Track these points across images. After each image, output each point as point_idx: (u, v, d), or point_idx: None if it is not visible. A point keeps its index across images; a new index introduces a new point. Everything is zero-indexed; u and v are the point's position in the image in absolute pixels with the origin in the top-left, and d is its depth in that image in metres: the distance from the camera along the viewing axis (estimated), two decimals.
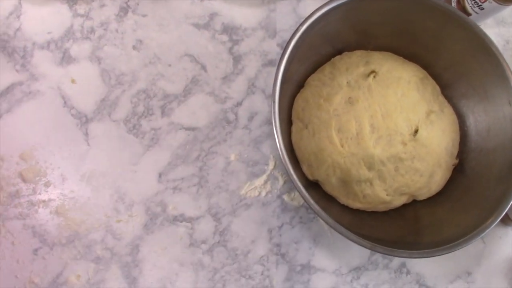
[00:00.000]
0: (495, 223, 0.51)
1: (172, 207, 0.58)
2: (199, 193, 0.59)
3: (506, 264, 0.63)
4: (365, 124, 0.54)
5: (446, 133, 0.58)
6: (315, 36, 0.54)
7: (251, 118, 0.62)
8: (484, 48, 0.55)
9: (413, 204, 0.58)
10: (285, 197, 0.60)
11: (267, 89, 0.63)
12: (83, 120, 0.59)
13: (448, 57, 0.59)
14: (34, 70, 0.60)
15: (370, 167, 0.54)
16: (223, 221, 0.59)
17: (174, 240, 0.58)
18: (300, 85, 0.59)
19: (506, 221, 0.62)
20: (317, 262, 0.60)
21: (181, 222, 0.58)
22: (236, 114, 0.62)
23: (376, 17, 0.57)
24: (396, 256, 0.50)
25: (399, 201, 0.57)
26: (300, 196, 0.50)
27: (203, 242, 0.58)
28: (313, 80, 0.59)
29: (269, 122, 0.62)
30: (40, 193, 0.57)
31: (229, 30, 0.64)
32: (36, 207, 0.56)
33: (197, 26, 0.64)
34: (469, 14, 0.62)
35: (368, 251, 0.61)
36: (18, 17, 0.61)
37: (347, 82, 0.57)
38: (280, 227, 0.60)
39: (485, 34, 0.54)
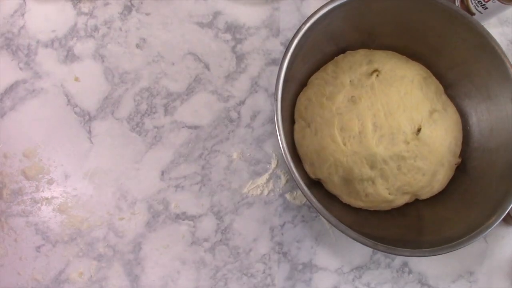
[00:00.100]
0: (497, 222, 0.51)
1: (175, 205, 0.58)
2: (202, 191, 0.59)
3: (508, 263, 0.63)
4: (368, 122, 0.54)
5: (449, 132, 0.58)
6: (318, 35, 0.54)
7: (253, 116, 0.62)
8: (487, 47, 0.55)
9: (415, 203, 0.58)
10: (287, 195, 0.61)
11: (270, 88, 0.63)
12: (86, 118, 0.59)
13: (451, 57, 0.59)
14: (38, 68, 0.60)
15: (372, 166, 0.54)
16: (225, 219, 0.59)
17: (176, 238, 0.58)
18: (303, 84, 0.60)
19: (508, 220, 0.62)
20: (319, 261, 0.60)
21: (183, 220, 0.58)
22: (239, 113, 0.62)
23: (380, 16, 0.57)
24: (398, 255, 0.50)
25: (402, 200, 0.57)
26: (302, 194, 0.50)
27: (205, 240, 0.58)
28: (316, 78, 0.59)
29: (271, 121, 0.62)
30: (43, 191, 0.57)
31: (233, 28, 0.64)
32: (39, 205, 0.56)
33: (200, 24, 0.64)
34: (472, 14, 0.62)
35: (370, 250, 0.61)
36: (23, 15, 0.61)
37: (350, 81, 0.57)
38: (282, 226, 0.60)
39: (488, 33, 0.54)
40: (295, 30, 0.52)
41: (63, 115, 0.59)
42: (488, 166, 0.56)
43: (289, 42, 0.51)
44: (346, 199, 0.57)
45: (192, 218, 0.58)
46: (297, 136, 0.57)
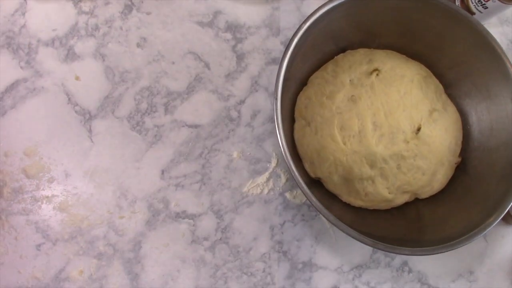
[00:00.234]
0: (497, 221, 0.51)
1: (175, 203, 0.59)
2: (202, 190, 0.59)
3: (508, 263, 0.63)
4: (368, 122, 0.54)
5: (449, 132, 0.58)
6: (318, 34, 0.55)
7: (254, 116, 0.62)
8: (487, 47, 0.55)
9: (415, 203, 0.58)
10: (287, 194, 0.61)
11: (270, 87, 0.63)
12: (87, 117, 0.59)
13: (451, 56, 0.59)
14: (39, 67, 0.60)
15: (372, 165, 0.54)
16: (225, 218, 0.59)
17: (176, 237, 0.58)
18: (303, 83, 0.60)
19: (508, 219, 0.62)
20: (318, 260, 0.60)
21: (184, 219, 0.58)
22: (239, 112, 0.62)
23: (380, 15, 0.57)
24: (398, 254, 0.50)
25: (401, 199, 0.57)
26: (302, 193, 0.50)
27: (205, 239, 0.58)
28: (316, 78, 0.59)
29: (272, 120, 0.62)
30: (43, 189, 0.57)
31: (233, 28, 0.65)
32: (40, 203, 0.56)
33: (201, 24, 0.64)
34: (472, 13, 0.62)
35: (370, 249, 0.61)
36: (23, 14, 0.61)
37: (350, 80, 0.57)
38: (282, 225, 0.60)
39: (488, 33, 0.54)
40: (295, 30, 0.52)
41: (63, 114, 0.59)
42: (488, 165, 0.56)
43: (289, 41, 0.51)
44: (346, 198, 0.57)
45: (192, 216, 0.59)
46: (297, 135, 0.57)
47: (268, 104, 0.63)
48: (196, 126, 0.61)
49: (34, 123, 0.58)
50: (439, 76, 0.61)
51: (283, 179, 0.61)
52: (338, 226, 0.49)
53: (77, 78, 0.60)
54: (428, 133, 0.55)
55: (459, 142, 0.59)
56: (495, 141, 0.56)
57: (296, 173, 0.49)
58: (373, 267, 0.61)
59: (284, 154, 0.49)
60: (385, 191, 0.55)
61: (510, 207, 0.51)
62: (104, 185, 0.58)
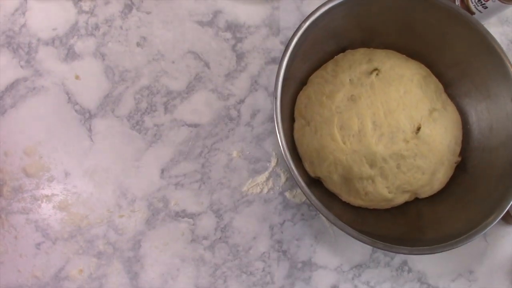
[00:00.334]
0: (497, 220, 0.50)
1: (174, 203, 0.59)
2: (201, 189, 0.59)
3: (508, 263, 0.63)
4: (367, 121, 0.54)
5: (449, 131, 0.58)
6: (318, 33, 0.55)
7: (253, 115, 0.62)
8: (487, 47, 0.55)
9: (415, 202, 0.58)
10: (287, 194, 0.61)
11: (270, 86, 0.63)
12: (87, 116, 0.59)
13: (451, 56, 0.59)
14: (39, 66, 0.60)
15: (372, 165, 0.54)
16: (224, 217, 0.59)
17: (175, 236, 0.58)
18: (303, 83, 0.60)
19: (508, 219, 0.62)
20: (318, 259, 0.60)
21: (183, 218, 0.58)
22: (238, 111, 0.62)
23: (380, 15, 0.57)
24: (397, 253, 0.50)
25: (401, 198, 0.57)
26: (302, 193, 0.50)
27: (205, 238, 0.58)
28: (315, 77, 0.59)
29: (271, 119, 0.62)
30: (43, 188, 0.57)
31: (233, 27, 0.65)
32: (39, 202, 0.57)
33: (200, 23, 0.64)
34: (472, 13, 0.62)
35: (369, 249, 0.61)
36: (23, 13, 0.61)
37: (349, 80, 0.57)
38: (281, 224, 0.60)
39: (488, 32, 0.54)
40: (295, 29, 0.52)
41: (63, 113, 0.59)
42: (488, 164, 0.56)
43: (289, 41, 0.51)
44: (345, 197, 0.57)
45: (191, 216, 0.59)
46: (296, 134, 0.57)
47: (267, 103, 0.63)
48: (195, 126, 0.61)
49: (34, 122, 0.58)
50: (439, 75, 0.61)
51: (283, 179, 0.61)
52: (338, 226, 0.49)
53: (77, 77, 0.60)
54: (428, 133, 0.55)
55: (459, 142, 0.59)
56: (495, 140, 0.56)
57: (296, 173, 0.49)
58: (373, 267, 0.61)
59: (283, 154, 0.49)
60: (385, 191, 0.55)
61: (510, 206, 0.51)
62: (103, 184, 0.58)
